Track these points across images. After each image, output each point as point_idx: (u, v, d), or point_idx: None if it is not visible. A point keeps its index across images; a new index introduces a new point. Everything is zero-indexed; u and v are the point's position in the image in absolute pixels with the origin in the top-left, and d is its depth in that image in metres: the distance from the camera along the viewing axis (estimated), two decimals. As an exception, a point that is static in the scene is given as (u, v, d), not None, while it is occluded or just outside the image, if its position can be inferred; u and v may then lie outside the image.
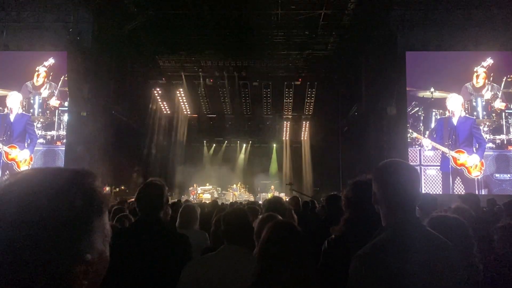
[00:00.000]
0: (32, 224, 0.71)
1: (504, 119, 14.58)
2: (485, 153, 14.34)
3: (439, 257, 1.62)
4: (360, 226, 2.24)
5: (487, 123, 14.60)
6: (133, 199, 9.20)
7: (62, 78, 14.92)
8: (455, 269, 1.65)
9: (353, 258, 1.66)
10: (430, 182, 14.28)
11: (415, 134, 14.57)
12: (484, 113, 14.67)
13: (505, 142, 14.45)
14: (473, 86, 14.64)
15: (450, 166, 14.34)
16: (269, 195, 17.81)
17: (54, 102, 15.08)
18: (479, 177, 14.27)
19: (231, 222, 2.41)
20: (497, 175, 14.30)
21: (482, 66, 14.56)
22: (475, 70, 14.61)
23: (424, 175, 14.21)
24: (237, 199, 17.29)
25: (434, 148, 14.53)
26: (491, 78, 14.58)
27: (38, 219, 0.72)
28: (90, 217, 0.80)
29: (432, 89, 14.59)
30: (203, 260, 2.37)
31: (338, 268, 2.22)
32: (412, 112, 14.71)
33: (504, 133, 14.51)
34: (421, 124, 14.73)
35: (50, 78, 15.13)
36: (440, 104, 14.67)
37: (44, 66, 15.08)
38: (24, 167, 14.69)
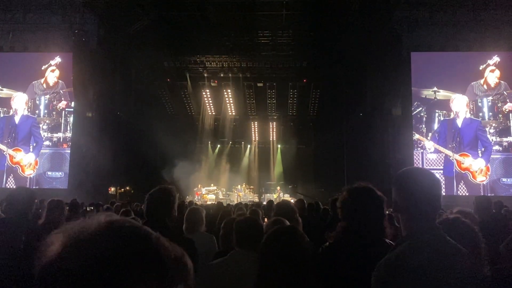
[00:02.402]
0: None
1: (511, 121, 14.05)
2: (491, 156, 13.74)
3: (461, 268, 1.61)
4: (354, 234, 2.23)
5: (494, 125, 14.05)
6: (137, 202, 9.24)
7: (68, 79, 14.88)
8: (476, 280, 1.64)
9: (377, 266, 1.65)
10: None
11: (417, 136, 14.13)
12: (490, 114, 14.19)
13: (512, 145, 13.84)
14: (481, 86, 14.19)
15: (454, 170, 13.77)
16: (275, 196, 17.79)
17: (61, 103, 15.03)
18: (484, 182, 13.65)
19: (243, 230, 2.48)
20: (504, 179, 13.66)
21: (489, 65, 14.13)
22: (481, 69, 14.18)
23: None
24: (242, 199, 17.26)
25: (437, 151, 14.03)
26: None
27: None
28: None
29: (435, 88, 14.15)
30: (215, 265, 2.43)
31: (331, 275, 2.21)
32: (414, 112, 14.25)
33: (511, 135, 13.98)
34: (423, 126, 14.28)
35: (60, 76, 14.99)
36: (444, 105, 14.24)
37: (51, 65, 14.93)
38: (28, 172, 14.60)
